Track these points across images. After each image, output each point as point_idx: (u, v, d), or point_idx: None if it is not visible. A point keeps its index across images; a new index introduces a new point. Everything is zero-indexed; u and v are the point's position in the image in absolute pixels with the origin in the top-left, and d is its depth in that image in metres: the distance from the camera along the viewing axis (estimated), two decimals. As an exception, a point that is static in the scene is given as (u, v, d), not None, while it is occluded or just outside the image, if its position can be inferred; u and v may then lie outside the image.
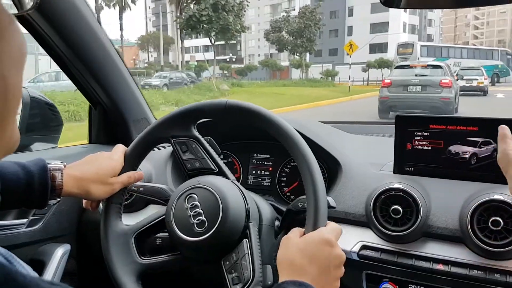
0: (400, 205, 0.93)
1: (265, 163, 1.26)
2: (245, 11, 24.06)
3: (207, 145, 0.88)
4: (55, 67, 1.83)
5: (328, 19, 55.50)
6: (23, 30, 1.04)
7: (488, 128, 0.95)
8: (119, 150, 0.90)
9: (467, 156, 0.97)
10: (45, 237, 1.15)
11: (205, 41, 70.37)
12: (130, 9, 42.49)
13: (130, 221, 0.97)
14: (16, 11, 0.96)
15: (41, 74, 15.44)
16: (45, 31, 1.08)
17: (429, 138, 1.01)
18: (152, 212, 0.92)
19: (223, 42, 70.66)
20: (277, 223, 0.89)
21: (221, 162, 0.87)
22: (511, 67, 34.08)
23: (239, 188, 0.83)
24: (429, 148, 1.01)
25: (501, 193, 0.88)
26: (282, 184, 1.23)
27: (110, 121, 1.39)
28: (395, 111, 9.30)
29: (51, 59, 1.20)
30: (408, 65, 10.49)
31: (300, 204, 0.81)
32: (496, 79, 27.65)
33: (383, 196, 0.95)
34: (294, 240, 0.69)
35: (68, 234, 1.22)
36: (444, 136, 0.99)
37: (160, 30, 53.69)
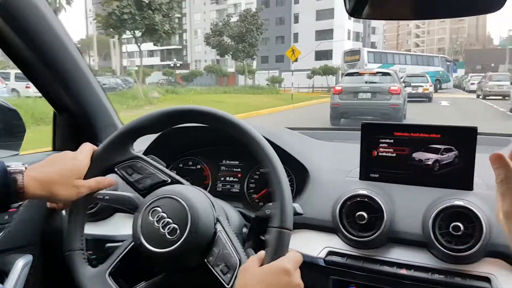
0: (366, 211, 0.94)
1: (234, 169, 1.25)
2: (175, 11, 22.11)
3: (151, 161, 0.88)
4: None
5: (274, 25, 55.61)
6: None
7: (449, 135, 0.98)
8: (85, 149, 0.86)
9: (430, 162, 1.00)
10: (7, 247, 1.10)
11: (150, 45, 69.40)
12: (65, 11, 39.20)
13: (97, 230, 1.04)
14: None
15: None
16: (5, 32, 1.04)
17: (393, 145, 1.02)
18: (118, 221, 0.97)
19: (169, 47, 68.44)
20: (245, 230, 0.92)
21: (171, 172, 0.88)
22: (450, 73, 35.27)
23: (200, 190, 0.85)
24: (394, 154, 1.03)
25: (462, 198, 0.91)
26: (251, 190, 1.21)
27: (77, 127, 1.34)
28: (346, 118, 9.63)
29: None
30: (358, 72, 10.55)
31: (268, 211, 0.82)
32: (438, 85, 28.20)
33: (349, 203, 0.97)
34: (252, 270, 0.69)
35: (31, 244, 1.17)
36: (408, 143, 1.01)
37: (95, 33, 50.42)
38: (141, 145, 1.16)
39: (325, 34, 51.85)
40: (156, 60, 67.37)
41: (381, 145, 1.04)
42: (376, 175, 1.05)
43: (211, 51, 46.31)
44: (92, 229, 0.93)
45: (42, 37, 1.10)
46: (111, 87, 20.61)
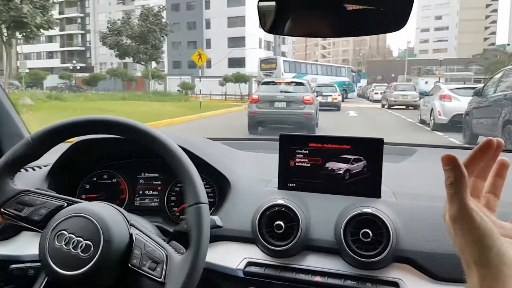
0: (283, 220, 0.96)
1: (154, 182, 1.22)
2: (53, 2, 19.20)
3: (39, 190, 0.86)
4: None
5: (186, 30, 54.40)
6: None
7: (358, 146, 1.03)
8: None
9: (341, 172, 1.04)
10: None
11: (52, 46, 63.64)
12: None
13: (2, 250, 0.98)
14: None
15: None
16: None
17: (308, 156, 1.07)
18: (25, 240, 0.93)
19: (71, 48, 62.70)
20: None
21: (65, 196, 0.85)
22: (355, 83, 36.76)
23: (104, 203, 0.83)
24: (309, 165, 1.07)
25: (370, 206, 0.95)
26: (172, 204, 1.19)
27: None
28: (263, 127, 9.76)
29: None
30: (274, 82, 10.62)
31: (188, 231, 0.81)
32: (345, 95, 28.80)
33: (268, 212, 0.98)
34: None
35: None
36: (321, 153, 1.06)
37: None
38: (50, 157, 1.03)
39: (237, 41, 51.90)
40: (56, 62, 62.09)
41: (297, 155, 1.07)
42: (293, 185, 1.08)
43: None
44: None
45: None
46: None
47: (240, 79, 33.44)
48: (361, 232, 0.91)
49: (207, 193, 0.99)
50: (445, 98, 10.43)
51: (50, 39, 61.11)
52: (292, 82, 10.51)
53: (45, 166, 1.18)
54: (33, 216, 0.81)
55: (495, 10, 77.82)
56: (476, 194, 0.51)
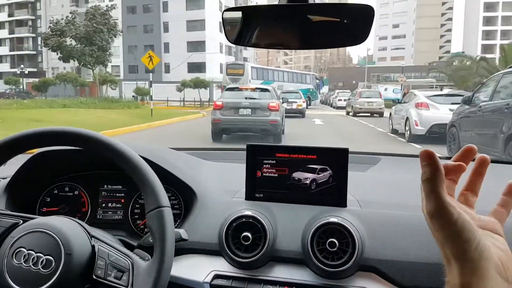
0: (251, 231, 0.95)
1: (117, 194, 1.18)
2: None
3: None
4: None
5: (143, 33, 52.39)
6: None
7: (324, 156, 1.04)
8: None
9: (308, 182, 1.04)
10: None
11: (0, 50, 59.56)
12: None
13: None
14: None
15: None
16: None
17: (275, 166, 1.06)
18: None
19: (21, 52, 58.80)
20: None
21: (19, 213, 0.83)
22: (318, 90, 36.63)
23: (63, 216, 0.81)
24: (276, 175, 1.06)
25: (336, 215, 0.95)
26: (136, 216, 1.15)
27: None
28: (228, 134, 9.55)
29: None
30: (238, 88, 10.36)
31: (151, 239, 0.78)
32: (308, 102, 27.95)
33: (235, 224, 0.97)
34: None
35: None
36: (288, 163, 1.06)
37: None
38: (10, 168, 1.03)
39: (197, 46, 50.68)
40: (5, 67, 58.14)
41: (264, 165, 1.07)
42: (261, 195, 1.08)
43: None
44: None
45: None
46: None
47: (199, 84, 31.94)
48: (327, 241, 0.91)
49: (172, 205, 0.98)
50: (421, 106, 9.31)
51: (-2, 42, 57.49)
52: (257, 88, 10.14)
53: (3, 178, 1.13)
54: None
55: (450, 19, 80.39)
56: (449, 194, 0.50)
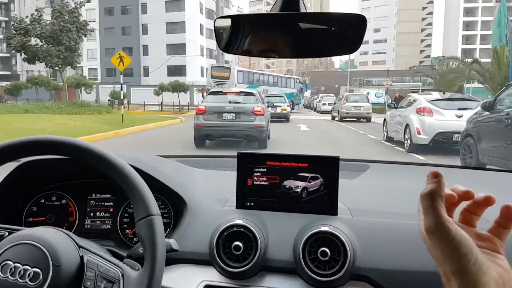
0: (241, 240, 0.94)
1: (105, 203, 1.17)
2: None
3: None
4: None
5: (121, 35, 50.78)
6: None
7: (315, 164, 1.03)
8: None
9: (298, 190, 1.04)
10: None
11: None
12: None
13: None
14: None
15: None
16: None
17: (266, 174, 1.06)
18: None
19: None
20: None
21: (2, 225, 0.81)
22: (302, 94, 36.38)
23: (48, 227, 0.78)
24: (267, 183, 1.06)
25: (328, 224, 0.94)
26: (125, 226, 1.13)
27: None
28: (211, 140, 9.19)
29: None
30: (222, 91, 9.92)
31: (141, 250, 0.77)
32: (292, 106, 26.95)
33: (225, 233, 0.95)
34: None
35: None
36: (279, 172, 1.05)
37: None
38: None
39: (177, 49, 49.58)
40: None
41: (255, 174, 1.06)
42: (252, 204, 1.07)
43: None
44: None
45: None
46: None
47: (178, 88, 30.62)
48: (319, 251, 0.90)
49: (162, 214, 0.95)
50: (424, 111, 8.23)
51: (-30, 44, 54.87)
52: (241, 92, 9.70)
53: None
54: None
55: (430, 24, 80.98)
56: (449, 215, 0.50)
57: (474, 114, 6.39)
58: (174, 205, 1.11)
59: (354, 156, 1.77)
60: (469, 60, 19.15)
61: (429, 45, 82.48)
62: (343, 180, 1.04)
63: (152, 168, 1.08)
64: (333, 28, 0.75)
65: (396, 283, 0.89)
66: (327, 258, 0.89)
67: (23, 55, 22.03)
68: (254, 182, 1.06)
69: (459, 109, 7.96)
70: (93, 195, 1.17)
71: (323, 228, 0.92)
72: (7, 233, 0.76)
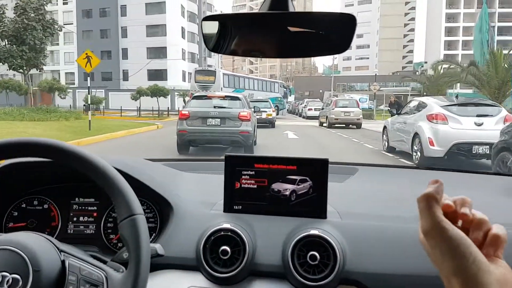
0: (229, 245, 0.93)
1: (89, 208, 1.14)
2: None
3: None
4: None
5: (99, 38, 49.13)
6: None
7: (304, 167, 1.02)
8: None
9: (287, 193, 1.03)
10: None
11: None
12: None
13: None
14: None
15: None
16: None
17: (254, 177, 1.04)
18: None
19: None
20: None
21: None
22: (286, 99, 35.56)
23: (29, 232, 0.76)
24: (255, 186, 1.04)
25: (317, 228, 0.93)
26: (109, 231, 1.11)
27: None
28: (195, 146, 8.94)
29: None
30: (206, 96, 9.60)
31: (126, 255, 0.76)
32: (277, 111, 25.86)
33: (212, 237, 0.94)
34: None
35: None
36: (267, 174, 1.04)
37: None
38: None
39: (158, 52, 48.22)
40: None
41: (243, 176, 1.05)
42: (239, 207, 1.05)
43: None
44: None
45: None
46: None
47: (157, 92, 29.01)
48: (308, 255, 0.89)
49: (147, 218, 0.94)
50: (437, 119, 7.03)
51: None
52: (227, 96, 9.38)
53: None
54: None
55: (412, 30, 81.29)
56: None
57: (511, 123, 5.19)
58: (160, 209, 1.08)
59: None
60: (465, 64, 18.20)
61: (411, 51, 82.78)
62: (332, 183, 1.03)
63: (137, 171, 1.05)
64: (322, 30, 0.74)
65: (386, 286, 0.88)
66: (317, 262, 0.88)
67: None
68: (242, 185, 1.04)
69: (478, 115, 6.79)
70: (77, 199, 1.13)
71: (312, 232, 0.91)
72: None
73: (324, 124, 19.44)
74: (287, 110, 37.93)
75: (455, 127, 6.82)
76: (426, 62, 67.68)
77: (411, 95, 27.60)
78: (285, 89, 35.77)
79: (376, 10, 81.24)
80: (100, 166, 0.73)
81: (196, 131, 8.42)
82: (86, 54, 12.59)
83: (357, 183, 1.38)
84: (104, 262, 0.78)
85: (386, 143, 9.54)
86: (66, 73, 49.94)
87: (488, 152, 6.20)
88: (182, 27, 48.83)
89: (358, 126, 18.53)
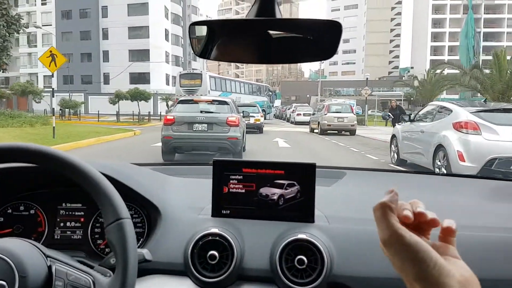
0: (217, 249, 0.93)
1: (76, 213, 1.13)
2: None
3: None
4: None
5: (79, 40, 47.30)
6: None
7: (292, 171, 1.03)
8: None
9: (275, 197, 1.03)
10: None
11: None
12: None
13: None
14: None
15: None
16: None
17: (242, 181, 1.05)
18: None
19: None
20: None
21: None
22: (272, 103, 35.15)
23: (13, 238, 0.75)
24: (243, 191, 1.05)
25: (304, 232, 0.94)
26: (96, 236, 1.10)
27: None
28: (181, 153, 8.58)
29: None
30: (192, 100, 9.15)
31: (113, 260, 0.76)
32: (264, 116, 24.63)
33: (200, 242, 0.94)
34: None
35: None
36: (255, 179, 1.04)
37: None
38: None
39: (141, 55, 46.54)
40: None
41: (231, 181, 1.05)
42: (228, 212, 1.05)
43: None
44: None
45: None
46: None
47: (138, 96, 27.42)
48: (296, 259, 0.89)
49: (135, 223, 0.94)
50: (467, 127, 5.73)
51: None
52: (214, 100, 8.92)
53: None
54: None
55: (398, 35, 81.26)
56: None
57: None
58: (147, 214, 1.08)
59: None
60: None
61: (397, 56, 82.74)
62: (319, 187, 1.03)
63: (124, 175, 1.05)
64: (308, 36, 0.75)
65: None
66: (304, 266, 0.89)
67: None
68: (230, 190, 1.04)
69: (518, 124, 5.52)
70: (64, 204, 1.13)
71: (300, 236, 0.92)
72: None
73: (316, 131, 18.22)
74: (274, 115, 37.30)
75: (491, 138, 5.54)
76: (412, 67, 67.69)
77: (404, 100, 26.64)
78: (271, 93, 34.94)
79: (362, 15, 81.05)
80: (86, 171, 0.73)
81: (182, 137, 8.02)
82: (51, 51, 11.07)
83: (344, 187, 1.38)
84: (91, 268, 0.77)
85: (396, 155, 8.21)
86: (44, 76, 47.91)
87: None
88: (165, 29, 47.43)
89: (352, 132, 17.33)
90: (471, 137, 5.65)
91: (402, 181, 1.55)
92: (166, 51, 47.68)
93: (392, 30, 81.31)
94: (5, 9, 18.38)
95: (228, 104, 8.70)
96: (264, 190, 1.03)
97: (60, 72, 46.39)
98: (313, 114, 20.57)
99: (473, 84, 15.81)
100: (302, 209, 1.01)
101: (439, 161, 6.09)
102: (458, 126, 5.81)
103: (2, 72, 21.36)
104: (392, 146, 8.52)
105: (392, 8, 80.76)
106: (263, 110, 25.23)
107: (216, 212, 1.05)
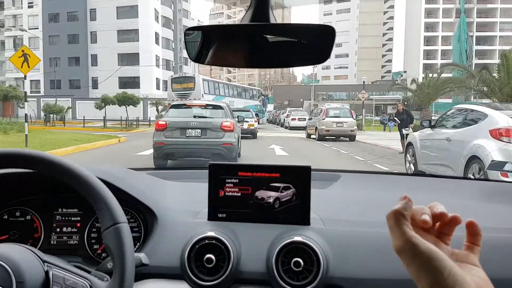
0: (214, 253, 0.94)
1: (72, 218, 1.13)
2: None
3: None
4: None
5: (67, 44, 46.32)
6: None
7: (287, 174, 1.03)
8: None
9: (271, 200, 1.03)
10: None
11: None
12: None
13: None
14: None
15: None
16: None
17: (238, 185, 1.05)
18: None
19: None
20: None
21: None
22: (265, 107, 34.34)
23: (10, 243, 0.76)
24: (239, 194, 1.05)
25: (300, 234, 0.94)
26: (93, 241, 1.11)
27: None
28: (173, 159, 8.25)
29: None
30: (185, 104, 8.80)
31: (110, 265, 0.77)
32: (258, 121, 23.75)
33: (197, 246, 0.95)
34: None
35: None
36: (251, 182, 1.05)
37: None
38: None
39: (130, 58, 45.51)
40: None
41: (227, 184, 1.06)
42: (224, 215, 1.06)
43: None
44: None
45: None
46: None
47: (126, 101, 26.30)
48: (292, 261, 0.90)
49: (131, 227, 0.95)
50: (509, 136, 4.76)
51: None
52: (208, 105, 8.69)
53: None
54: None
55: (391, 39, 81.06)
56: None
57: None
58: (144, 219, 1.09)
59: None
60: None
61: (390, 60, 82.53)
62: (315, 190, 1.04)
63: (120, 180, 1.05)
64: (302, 40, 0.76)
65: None
66: (300, 268, 0.89)
67: None
68: (226, 193, 1.05)
69: None
70: (60, 210, 1.13)
71: (296, 238, 0.92)
72: None
73: (313, 136, 17.32)
74: (267, 119, 36.63)
75: (542, 149, 4.57)
76: (405, 71, 67.37)
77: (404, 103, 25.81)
78: (263, 97, 34.21)
79: (354, 20, 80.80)
80: (82, 176, 0.73)
81: (175, 143, 7.76)
82: (23, 51, 9.98)
83: (340, 190, 1.39)
84: (88, 272, 0.77)
85: (413, 166, 7.21)
86: (31, 80, 46.54)
87: None
88: (156, 33, 46.43)
89: (352, 138, 16.40)
90: (515, 147, 4.67)
91: (397, 183, 1.55)
92: (156, 55, 46.67)
93: (384, 34, 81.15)
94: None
95: (223, 109, 8.39)
96: (260, 193, 1.03)
97: (47, 77, 45.43)
98: (310, 119, 19.64)
99: (480, 86, 14.97)
100: (297, 211, 1.01)
101: (473, 175, 5.10)
102: (497, 134, 4.83)
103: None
104: (408, 155, 7.51)
105: (385, 12, 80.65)
106: (256, 114, 24.48)
107: (212, 215, 1.05)
